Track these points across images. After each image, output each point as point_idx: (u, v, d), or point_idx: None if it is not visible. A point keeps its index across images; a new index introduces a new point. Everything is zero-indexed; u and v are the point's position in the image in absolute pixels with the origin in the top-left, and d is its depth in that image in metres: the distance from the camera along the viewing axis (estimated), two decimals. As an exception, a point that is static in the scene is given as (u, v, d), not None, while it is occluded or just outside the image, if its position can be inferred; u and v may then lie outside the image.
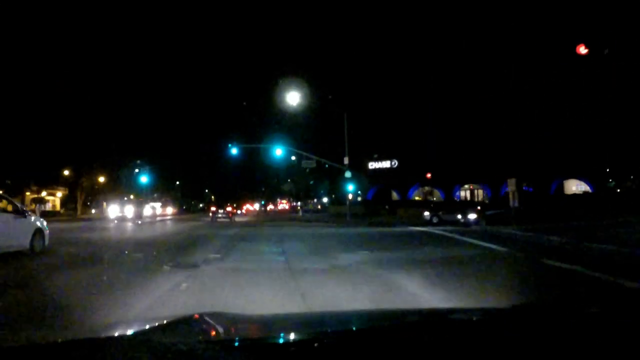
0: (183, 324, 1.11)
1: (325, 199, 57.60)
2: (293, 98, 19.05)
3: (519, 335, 0.97)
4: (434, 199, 40.03)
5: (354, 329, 1.19)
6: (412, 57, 34.95)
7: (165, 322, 1.16)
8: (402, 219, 21.13)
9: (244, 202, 60.51)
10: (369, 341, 0.95)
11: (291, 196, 68.44)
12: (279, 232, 12.44)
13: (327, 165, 23.55)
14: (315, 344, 0.90)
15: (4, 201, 6.40)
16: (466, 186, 40.26)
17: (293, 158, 40.98)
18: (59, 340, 0.97)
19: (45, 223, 6.89)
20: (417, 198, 42.73)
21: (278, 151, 21.41)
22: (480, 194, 40.45)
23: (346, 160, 21.44)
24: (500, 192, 38.43)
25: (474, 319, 1.30)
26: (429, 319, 1.33)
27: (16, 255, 5.72)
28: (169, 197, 54.95)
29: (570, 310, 1.36)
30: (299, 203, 71.58)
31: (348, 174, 21.12)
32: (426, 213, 18.77)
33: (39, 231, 6.41)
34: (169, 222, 22.45)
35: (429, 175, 30.46)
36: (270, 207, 78.57)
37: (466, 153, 35.61)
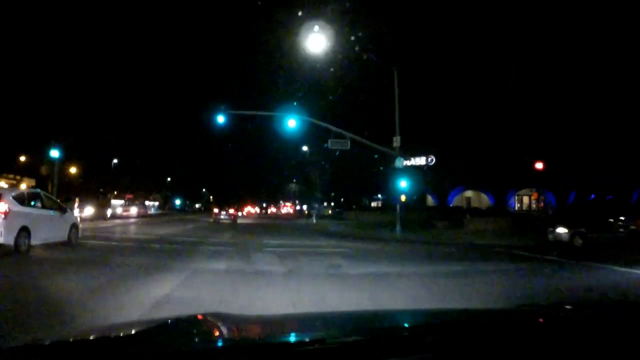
0: (183, 325, 1.10)
1: (332, 203, 50.24)
2: (317, 43, 11.16)
3: (521, 335, 0.97)
4: (484, 207, 31.54)
5: (354, 329, 1.17)
6: (469, 26, 26.33)
7: (165, 322, 1.16)
8: (478, 234, 13.91)
9: (245, 204, 59.13)
10: (369, 342, 0.93)
11: (296, 198, 61.90)
12: (308, 296, 4.38)
13: (374, 147, 15.12)
14: (316, 345, 0.90)
15: (50, 200, 7.88)
16: (521, 191, 31.32)
17: (305, 148, 32.59)
18: (60, 340, 0.96)
19: (78, 219, 9.14)
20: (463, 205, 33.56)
21: (291, 122, 13.50)
22: (535, 201, 31.64)
23: (396, 142, 14.19)
24: (569, 199, 29.88)
25: (476, 319, 1.29)
26: (430, 320, 1.34)
27: (61, 245, 7.38)
28: (157, 195, 47.93)
29: (572, 312, 1.36)
30: (304, 206, 65.14)
31: (399, 163, 13.93)
32: (561, 230, 10.30)
33: (74, 226, 8.05)
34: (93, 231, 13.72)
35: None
36: (271, 209, 73.31)
37: (524, 152, 26.93)
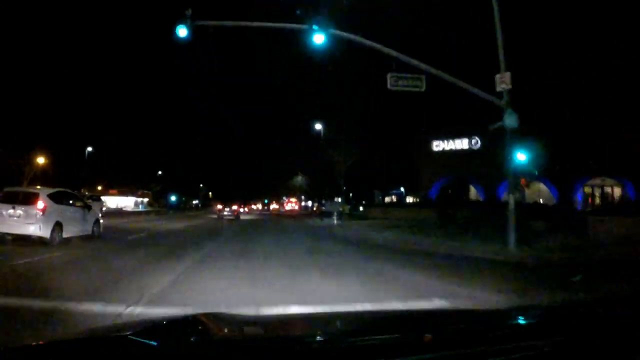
0: (182, 324, 1.29)
1: (339, 199, 49.84)
2: None
3: (517, 335, 1.17)
4: (541, 200, 31.55)
5: (354, 329, 1.39)
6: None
7: (164, 322, 1.41)
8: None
9: (247, 201, 68.83)
10: (371, 342, 1.09)
11: (301, 193, 63.13)
12: None
13: (469, 91, 10.02)
14: (315, 345, 1.07)
15: (77, 198, 11.15)
16: (591, 182, 30.81)
17: (318, 127, 31.21)
18: (60, 340, 1.16)
19: (100, 214, 12.19)
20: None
21: (318, 38, 9.66)
22: (609, 193, 30.97)
23: (503, 83, 9.39)
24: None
25: (474, 319, 1.57)
26: (429, 320, 1.59)
27: (86, 237, 10.23)
28: (147, 190, 50.86)
29: (571, 312, 1.64)
30: (310, 203, 65.09)
31: (511, 120, 9.38)
32: None
33: (97, 221, 11.02)
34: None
35: None
36: (274, 206, 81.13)
37: (596, 131, 26.67)
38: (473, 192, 37.28)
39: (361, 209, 41.24)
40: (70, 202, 10.04)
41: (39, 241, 8.59)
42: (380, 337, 1.14)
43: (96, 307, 3.88)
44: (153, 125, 52.26)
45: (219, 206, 32.20)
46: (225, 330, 1.23)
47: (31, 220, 8.48)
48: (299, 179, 61.37)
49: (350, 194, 45.41)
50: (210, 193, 73.02)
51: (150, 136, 49.28)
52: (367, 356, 0.98)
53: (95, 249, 8.79)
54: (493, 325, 1.35)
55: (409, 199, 44.18)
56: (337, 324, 1.53)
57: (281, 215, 45.64)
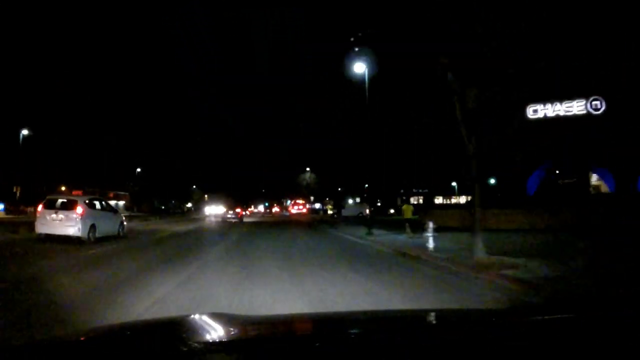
0: (182, 324, 1.70)
1: (351, 200, 52.48)
2: None
3: (517, 335, 1.52)
4: None
5: (354, 329, 1.84)
6: None
7: (164, 322, 1.97)
8: None
9: (247, 203, 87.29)
10: (369, 342, 1.45)
11: (310, 193, 65.08)
12: None
13: None
14: (316, 344, 1.38)
15: (106, 203, 18.10)
16: None
17: (360, 69, 24.35)
18: (59, 340, 1.57)
19: (124, 217, 19.40)
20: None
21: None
22: None
23: None
24: None
25: (474, 319, 2.08)
26: (429, 320, 2.12)
27: (113, 237, 16.59)
28: (123, 192, 53.15)
29: (568, 311, 2.18)
30: (318, 205, 69.32)
31: None
32: None
33: (122, 223, 18.17)
34: None
35: None
36: (275, 209, 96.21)
37: None
38: (596, 182, 35.12)
39: (392, 210, 39.99)
40: (102, 207, 15.76)
41: (76, 240, 13.13)
42: (382, 337, 1.49)
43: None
44: (150, 124, 61.07)
45: (224, 209, 46.85)
46: (226, 330, 1.57)
47: (71, 223, 13.31)
48: (307, 176, 63.02)
49: (365, 194, 44.07)
50: (206, 196, 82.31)
51: (145, 135, 57.37)
52: (369, 357, 1.23)
53: (133, 245, 14.05)
54: (492, 325, 1.72)
55: (439, 200, 42.86)
56: (340, 324, 1.94)
57: (288, 220, 49.77)
